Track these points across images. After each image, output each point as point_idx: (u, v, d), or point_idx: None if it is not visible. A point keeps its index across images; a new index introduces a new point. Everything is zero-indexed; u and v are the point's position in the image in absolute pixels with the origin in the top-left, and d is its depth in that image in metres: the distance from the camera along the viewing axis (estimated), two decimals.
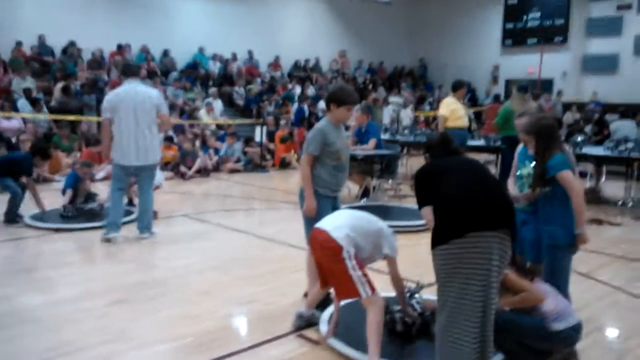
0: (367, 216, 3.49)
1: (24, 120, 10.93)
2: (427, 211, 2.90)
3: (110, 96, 5.94)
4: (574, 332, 3.08)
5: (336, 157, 3.97)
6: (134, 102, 5.80)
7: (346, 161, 4.10)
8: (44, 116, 11.38)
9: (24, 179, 6.66)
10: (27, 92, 11.72)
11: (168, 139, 10.99)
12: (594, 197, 8.95)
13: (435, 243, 2.74)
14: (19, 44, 13.50)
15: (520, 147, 3.91)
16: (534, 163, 3.54)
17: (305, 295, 4.10)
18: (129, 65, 6.66)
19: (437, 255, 2.73)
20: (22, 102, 11.41)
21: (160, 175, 7.13)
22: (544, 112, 4.12)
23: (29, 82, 12.25)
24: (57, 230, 6.32)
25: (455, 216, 2.70)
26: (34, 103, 11.41)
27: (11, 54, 13.36)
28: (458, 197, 2.74)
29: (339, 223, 3.31)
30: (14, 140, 10.22)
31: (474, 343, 2.64)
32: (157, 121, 5.96)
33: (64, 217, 6.69)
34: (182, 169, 10.52)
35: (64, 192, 7.12)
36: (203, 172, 10.80)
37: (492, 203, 2.73)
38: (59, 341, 3.52)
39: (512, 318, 3.07)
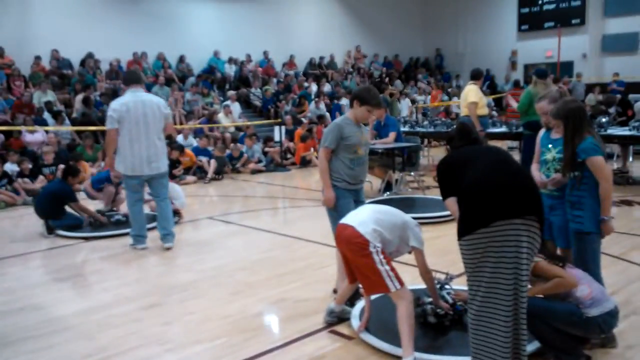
0: (391, 210, 3.49)
1: (47, 133, 11.13)
2: (452, 202, 2.89)
3: (116, 105, 5.64)
4: (610, 317, 3.01)
5: (352, 150, 4.00)
6: (143, 111, 5.63)
7: (364, 155, 4.12)
8: (67, 128, 11.58)
9: (71, 206, 6.83)
10: (48, 106, 11.94)
11: (178, 148, 10.70)
12: (623, 178, 8.80)
13: (461, 234, 2.72)
14: (37, 58, 13.74)
15: (542, 132, 3.85)
16: (558, 147, 3.49)
17: (335, 291, 4.12)
18: (132, 72, 6.35)
19: (464, 246, 2.72)
20: (45, 115, 11.63)
21: (182, 198, 7.12)
22: (565, 94, 4.04)
23: (50, 96, 12.48)
24: (86, 239, 6.44)
25: (479, 206, 2.68)
26: (56, 116, 11.61)
27: (31, 69, 13.62)
28: (481, 186, 2.72)
29: (364, 218, 3.32)
30: (39, 152, 10.41)
31: (507, 331, 2.63)
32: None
33: (93, 226, 6.79)
34: (204, 165, 10.67)
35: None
36: (223, 174, 10.84)
37: (517, 190, 2.70)
38: (96, 347, 3.59)
39: (546, 305, 3.02)
